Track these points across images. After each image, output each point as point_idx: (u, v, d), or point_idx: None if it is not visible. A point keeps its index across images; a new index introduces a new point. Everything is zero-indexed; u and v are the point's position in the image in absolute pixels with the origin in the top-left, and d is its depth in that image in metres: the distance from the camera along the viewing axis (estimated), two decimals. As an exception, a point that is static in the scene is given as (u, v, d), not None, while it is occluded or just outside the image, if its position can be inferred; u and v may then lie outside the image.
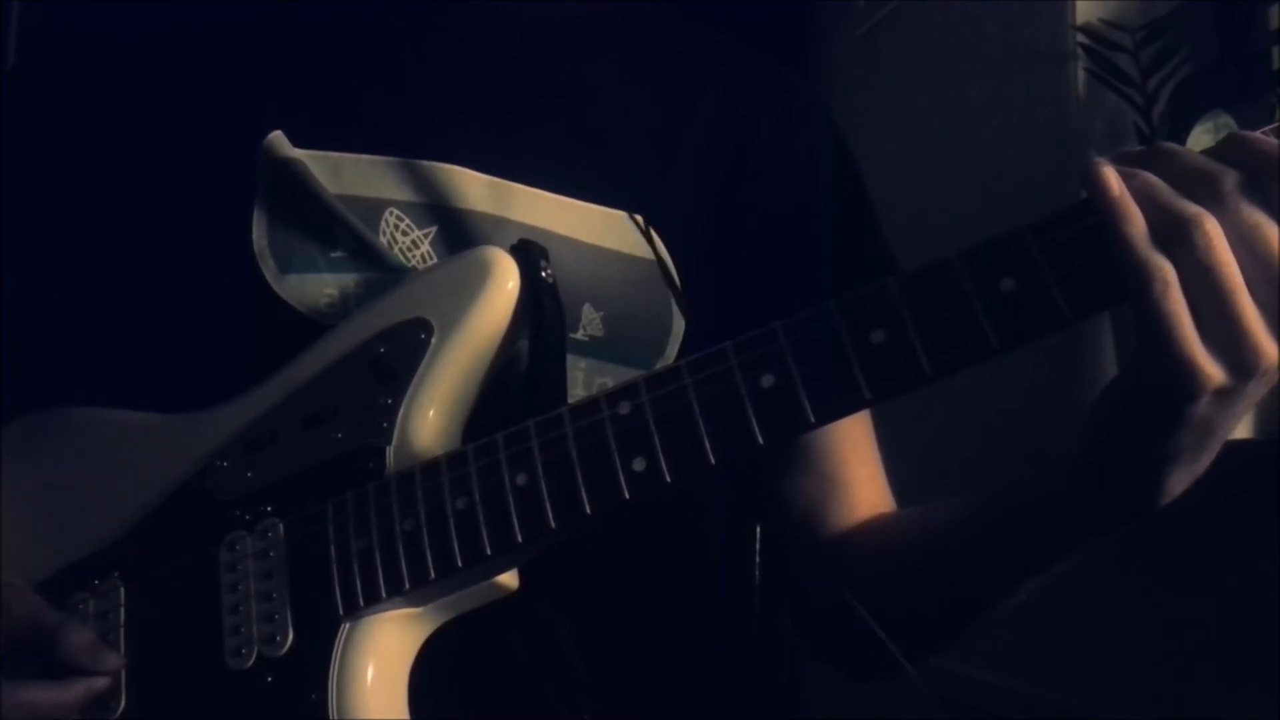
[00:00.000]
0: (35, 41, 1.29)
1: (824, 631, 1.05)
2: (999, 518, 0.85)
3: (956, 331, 0.68)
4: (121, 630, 0.85)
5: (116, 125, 0.98)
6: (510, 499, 0.76)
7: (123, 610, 0.86)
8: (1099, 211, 0.64)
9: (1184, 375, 0.63)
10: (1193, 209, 0.63)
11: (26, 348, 1.00)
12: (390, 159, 0.95)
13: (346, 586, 0.80)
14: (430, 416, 0.83)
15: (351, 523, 0.81)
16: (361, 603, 0.79)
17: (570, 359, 0.90)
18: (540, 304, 0.85)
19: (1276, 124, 0.65)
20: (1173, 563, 1.52)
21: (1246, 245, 0.63)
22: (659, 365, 0.95)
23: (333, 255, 0.93)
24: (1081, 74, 1.78)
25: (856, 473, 1.04)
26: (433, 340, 0.84)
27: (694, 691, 1.02)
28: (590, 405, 0.76)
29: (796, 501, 1.03)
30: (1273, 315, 0.63)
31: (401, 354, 0.84)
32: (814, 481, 1.03)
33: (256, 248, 0.92)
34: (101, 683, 0.81)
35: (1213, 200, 0.63)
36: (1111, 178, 0.64)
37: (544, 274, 0.86)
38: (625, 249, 0.97)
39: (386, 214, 0.93)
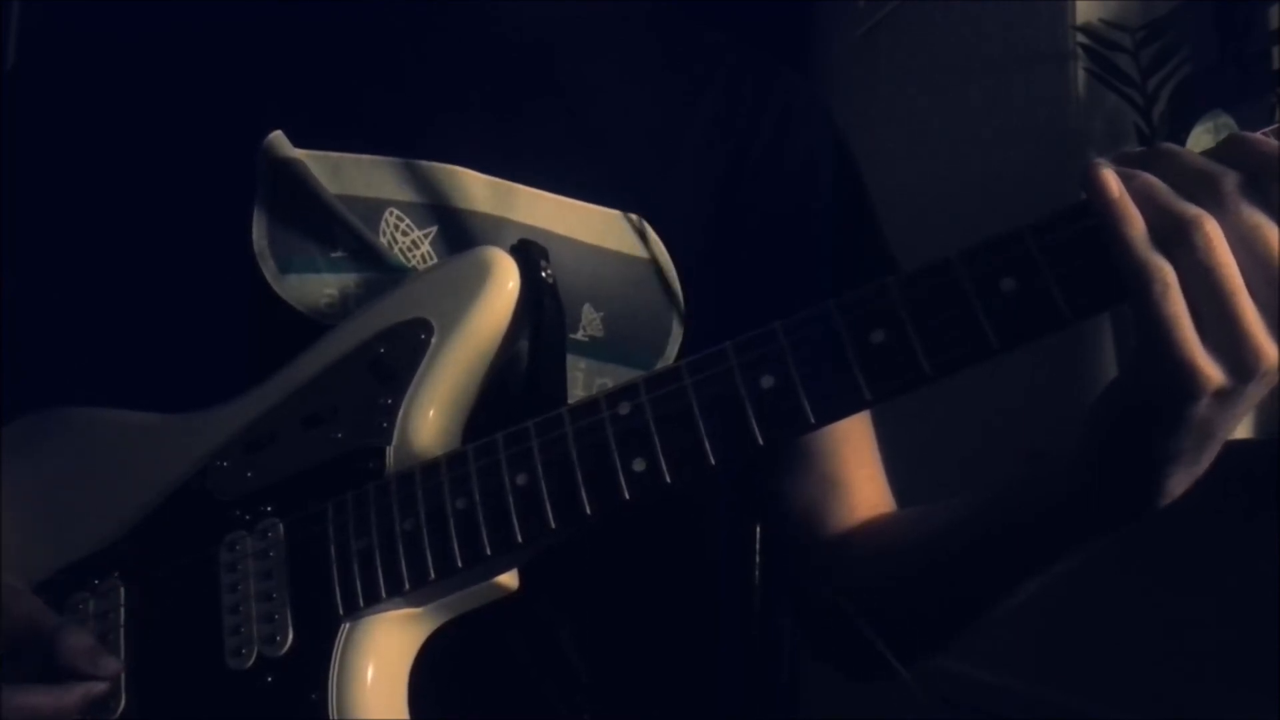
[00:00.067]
0: (35, 41, 1.29)
1: (824, 631, 1.05)
2: (999, 518, 0.85)
3: (956, 332, 0.68)
4: (121, 630, 0.85)
5: (117, 125, 0.98)
6: (510, 499, 0.76)
7: (123, 610, 0.86)
8: (1098, 213, 0.64)
9: (1184, 376, 0.63)
10: (1192, 210, 0.63)
11: (26, 348, 1.00)
12: (390, 159, 0.95)
13: (346, 586, 0.80)
14: (430, 416, 0.83)
15: (351, 523, 0.81)
16: (361, 603, 0.79)
17: (570, 359, 0.90)
18: (540, 304, 0.85)
19: (1277, 124, 0.65)
20: (1173, 563, 1.52)
21: (1247, 246, 0.63)
22: (659, 365, 0.95)
23: (333, 255, 0.93)
24: (1081, 74, 1.78)
25: (856, 473, 1.04)
26: (433, 340, 0.84)
27: (694, 691, 1.02)
28: (590, 405, 0.76)
29: (796, 502, 1.03)
30: (1273, 316, 0.63)
31: (401, 354, 0.84)
32: (814, 482, 1.03)
33: (256, 248, 0.92)
34: (100, 687, 0.80)
35: (1213, 201, 0.63)
36: (1111, 179, 0.64)
37: (544, 274, 0.86)
38: (625, 249, 0.97)
39: (386, 214, 0.93)
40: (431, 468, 0.80)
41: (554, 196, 0.96)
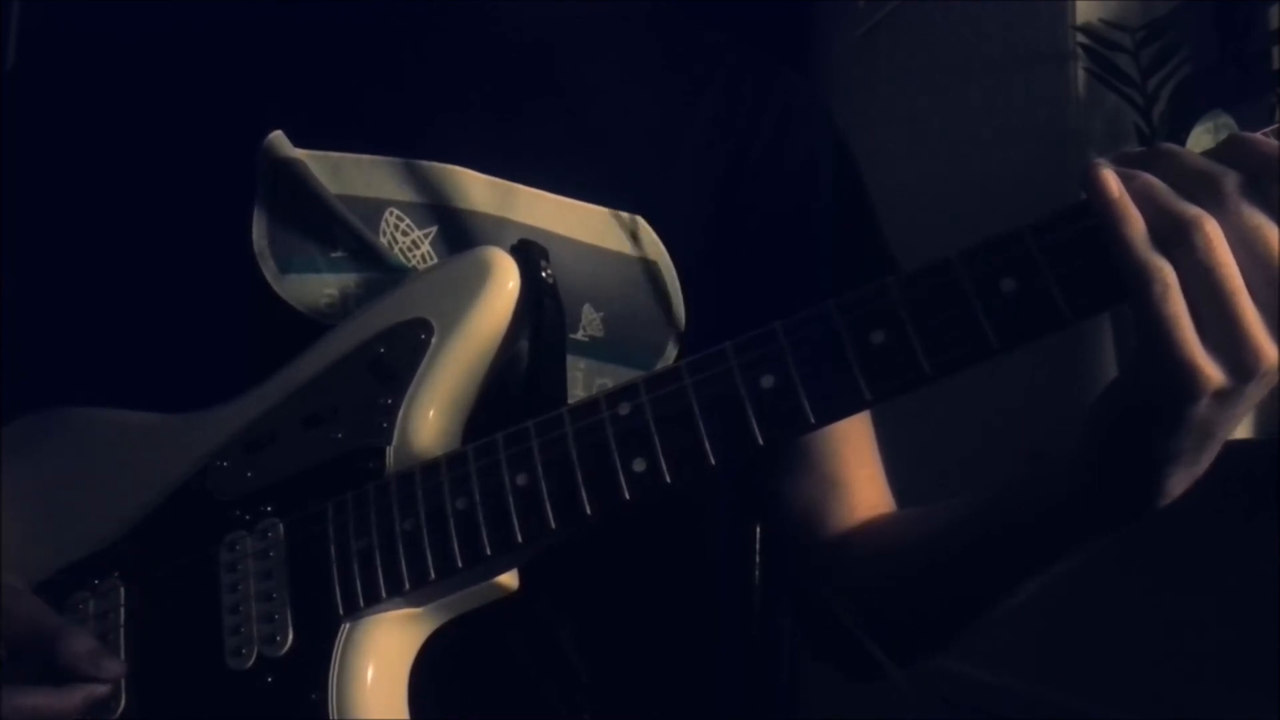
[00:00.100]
0: (35, 41, 1.29)
1: (824, 631, 1.05)
2: (999, 518, 0.85)
3: (956, 332, 0.68)
4: (121, 630, 0.85)
5: (117, 125, 0.98)
6: (510, 499, 0.76)
7: (122, 610, 0.86)
8: (1098, 213, 0.64)
9: (1184, 377, 0.63)
10: (1192, 210, 0.63)
11: (26, 348, 1.00)
12: (391, 159, 0.95)
13: (346, 586, 0.80)
14: (430, 417, 0.83)
15: (351, 523, 0.81)
16: (361, 603, 0.79)
17: (570, 359, 0.90)
18: (540, 304, 0.85)
19: (1277, 125, 0.65)
20: (1173, 563, 1.52)
21: (1247, 247, 0.63)
22: (659, 366, 0.95)
23: (333, 255, 0.93)
24: (1081, 74, 1.78)
25: (856, 473, 1.04)
26: (433, 340, 0.84)
27: (694, 691, 1.02)
28: (590, 406, 0.76)
29: (796, 502, 1.03)
30: (1273, 317, 0.63)
31: (402, 354, 0.84)
32: (814, 482, 1.03)
33: (257, 248, 0.92)
34: (102, 689, 0.81)
35: (1213, 201, 0.63)
36: (1111, 179, 0.64)
37: (544, 274, 0.86)
38: (625, 249, 0.97)
39: (387, 214, 0.93)
40: (431, 468, 0.80)
41: (554, 197, 0.96)
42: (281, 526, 0.83)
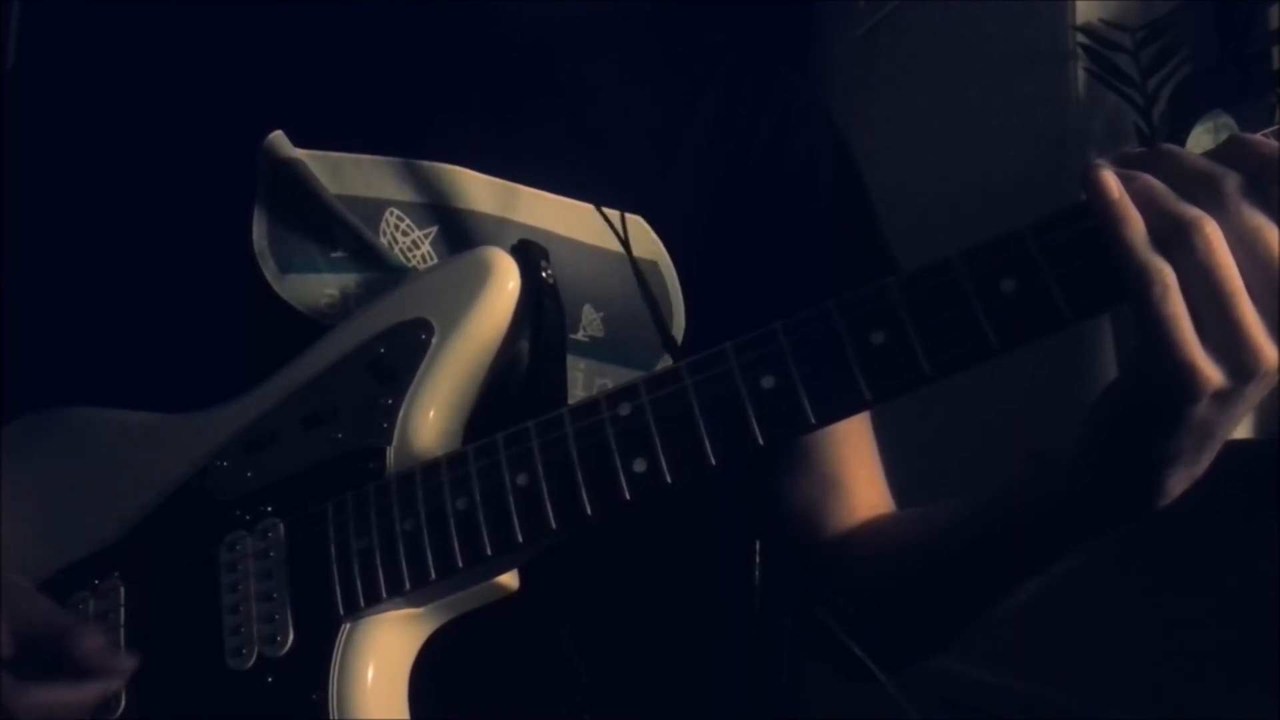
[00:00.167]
0: (35, 41, 1.29)
1: (824, 631, 1.05)
2: (999, 518, 0.85)
3: (956, 332, 0.68)
4: (121, 630, 0.85)
5: (117, 125, 0.98)
6: (511, 499, 0.76)
7: (123, 610, 0.86)
8: (1098, 214, 0.64)
9: (1184, 378, 0.63)
10: (1192, 212, 0.63)
11: (26, 348, 1.00)
12: (391, 159, 0.94)
13: (347, 586, 0.80)
14: (430, 417, 0.83)
15: (352, 523, 0.81)
16: (362, 603, 0.79)
17: (570, 359, 0.90)
18: (541, 304, 0.85)
19: (1277, 126, 0.65)
20: (1173, 563, 1.52)
21: (1247, 248, 0.63)
22: (659, 366, 0.95)
23: (333, 255, 0.92)
24: (1081, 74, 1.78)
25: (856, 474, 1.04)
26: (433, 340, 0.84)
27: (694, 691, 1.02)
28: (590, 406, 0.76)
29: (796, 502, 1.04)
30: (1273, 318, 0.63)
31: (402, 354, 0.84)
32: (814, 482, 1.03)
33: (257, 248, 0.92)
34: (116, 683, 0.81)
35: (1213, 203, 0.63)
36: (1111, 180, 0.64)
37: (544, 274, 0.86)
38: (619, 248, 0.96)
39: (387, 214, 0.93)
40: (432, 468, 0.80)
41: (555, 197, 0.96)
42: (282, 526, 0.83)
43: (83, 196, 0.98)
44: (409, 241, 0.93)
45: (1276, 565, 1.37)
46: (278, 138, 0.93)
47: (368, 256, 0.92)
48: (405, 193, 0.94)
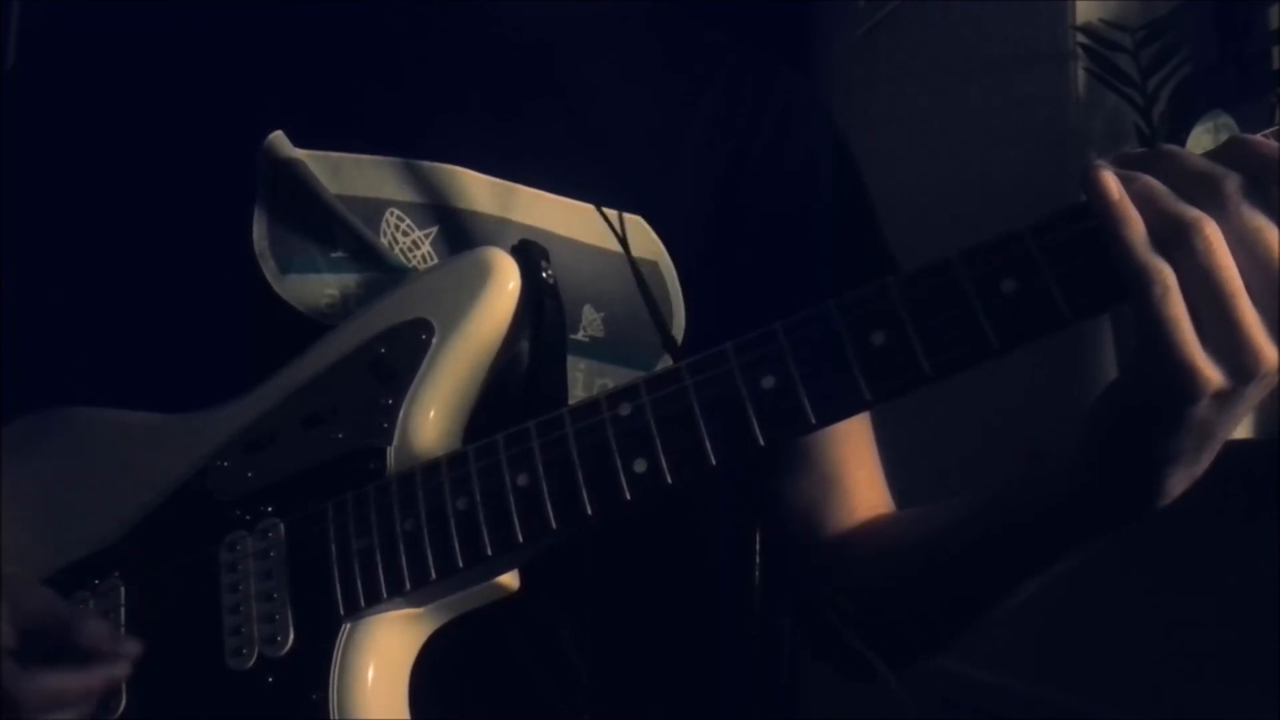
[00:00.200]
0: (35, 41, 1.29)
1: (824, 631, 1.05)
2: (999, 517, 0.85)
3: (957, 332, 0.68)
4: (121, 630, 0.85)
5: (117, 125, 0.98)
6: (511, 499, 0.77)
7: (123, 610, 0.86)
8: (1098, 215, 0.64)
9: (1184, 378, 0.63)
10: (1192, 213, 0.63)
11: (26, 348, 1.00)
12: (392, 159, 0.94)
13: (347, 586, 0.80)
14: (431, 417, 0.83)
15: (352, 523, 0.81)
16: (362, 603, 0.79)
17: (571, 360, 0.90)
18: (541, 305, 0.85)
19: (1277, 126, 0.65)
20: (1173, 563, 1.52)
21: (1247, 248, 0.63)
22: (659, 366, 0.95)
23: (333, 255, 0.92)
24: (1081, 74, 1.78)
25: (856, 474, 1.04)
26: (433, 341, 0.84)
27: (694, 691, 1.02)
28: (591, 406, 0.76)
29: (796, 502, 1.04)
30: (1273, 319, 0.63)
31: (402, 354, 0.84)
32: (814, 482, 1.03)
33: (257, 248, 0.92)
34: (123, 669, 0.81)
35: (1213, 203, 0.63)
36: (1111, 181, 0.64)
37: (545, 275, 0.86)
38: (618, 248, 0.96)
39: (387, 214, 0.93)
40: (432, 468, 0.80)
41: (555, 197, 0.96)
42: (282, 526, 0.83)
43: (83, 197, 0.98)
44: (409, 242, 0.93)
45: (1276, 565, 1.37)
46: (278, 138, 0.93)
47: (368, 257, 0.92)
48: (405, 193, 0.94)
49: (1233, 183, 0.63)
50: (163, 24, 1.00)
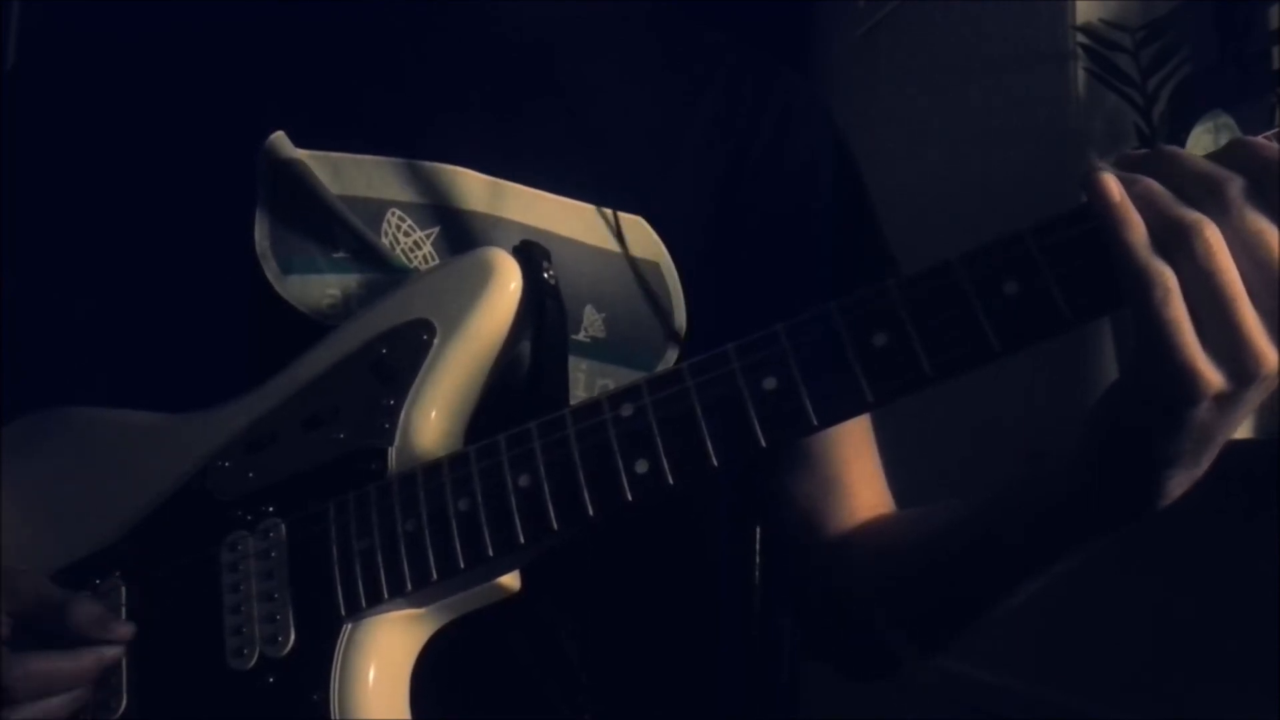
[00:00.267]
0: (35, 41, 1.29)
1: (824, 631, 1.06)
2: (999, 517, 0.85)
3: (958, 334, 0.68)
4: (121, 616, 0.85)
5: (117, 126, 0.98)
6: (513, 500, 0.76)
7: (123, 610, 0.86)
8: (1099, 217, 0.64)
9: (1184, 381, 0.63)
10: (1193, 216, 0.63)
11: (26, 348, 1.00)
12: (393, 160, 0.94)
13: (348, 587, 0.80)
14: (432, 418, 0.83)
15: (353, 523, 0.81)
16: (363, 603, 0.79)
17: (572, 360, 0.90)
18: (542, 305, 0.85)
19: (1278, 128, 0.65)
20: (1173, 563, 1.52)
21: (1248, 251, 0.63)
22: (660, 367, 0.95)
23: (335, 256, 0.92)
24: (1081, 74, 1.78)
25: (857, 475, 1.04)
26: (435, 341, 0.84)
27: (695, 692, 1.02)
28: (592, 407, 0.76)
29: (797, 503, 1.03)
30: (1273, 322, 0.63)
31: (403, 355, 0.84)
32: (814, 483, 1.03)
33: (259, 248, 0.92)
34: (113, 652, 0.81)
35: (1214, 206, 0.63)
36: (1112, 184, 0.64)
37: (546, 275, 0.86)
38: (628, 250, 0.96)
39: (389, 215, 0.93)
40: (434, 469, 0.80)
41: (556, 198, 0.96)
42: (283, 526, 0.83)
43: (83, 197, 0.98)
44: (411, 242, 0.93)
45: (1276, 565, 1.37)
46: (279, 138, 0.93)
47: (369, 257, 0.92)
48: (407, 193, 0.94)
49: (1234, 185, 0.63)
50: (163, 24, 1.00)
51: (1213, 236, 0.62)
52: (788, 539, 1.07)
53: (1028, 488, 0.82)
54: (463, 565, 0.77)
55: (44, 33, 1.10)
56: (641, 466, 0.74)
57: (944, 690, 1.78)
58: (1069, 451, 0.76)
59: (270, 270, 0.92)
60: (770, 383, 0.72)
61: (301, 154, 0.93)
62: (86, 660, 0.81)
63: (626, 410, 0.75)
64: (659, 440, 0.73)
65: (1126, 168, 0.66)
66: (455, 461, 0.79)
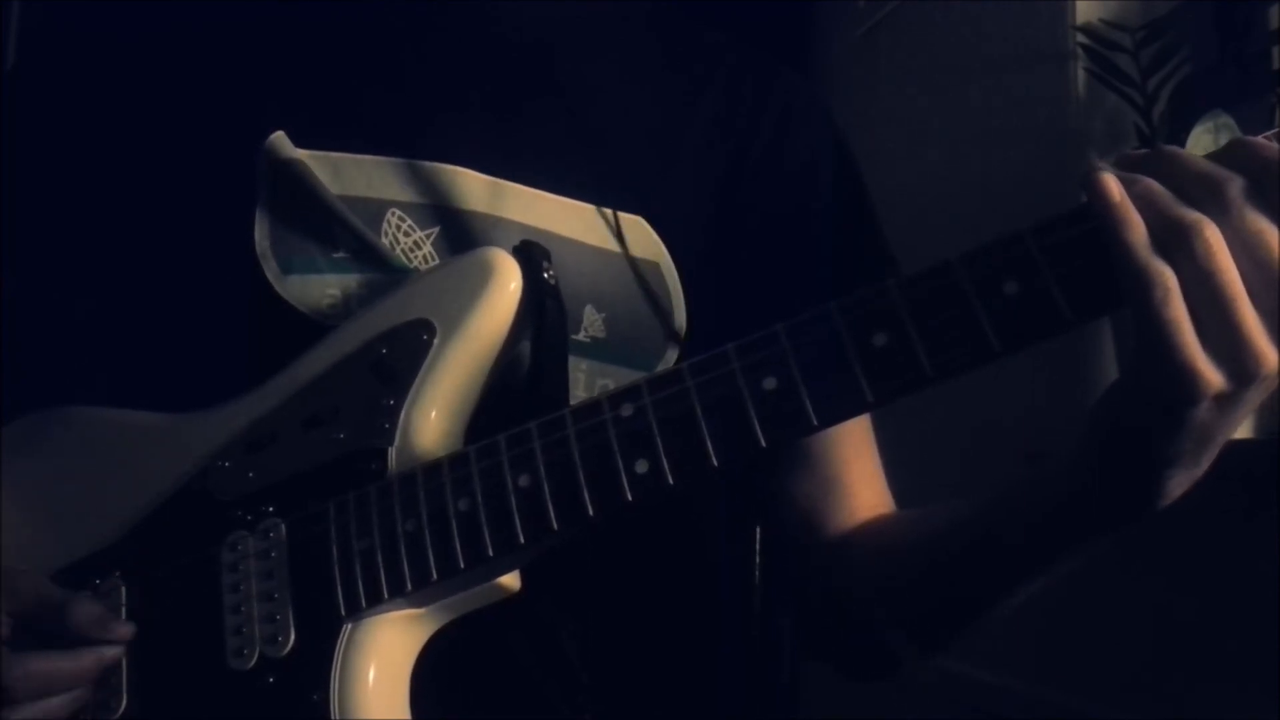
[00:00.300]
0: (35, 41, 1.29)
1: (824, 631, 1.05)
2: (1000, 517, 0.85)
3: (958, 334, 0.68)
4: (121, 616, 0.85)
5: (117, 125, 0.98)
6: (513, 500, 0.76)
7: (124, 610, 0.86)
8: (1099, 217, 0.64)
9: (1184, 381, 0.63)
10: (1193, 216, 0.63)
11: (27, 348, 1.00)
12: (393, 160, 0.94)
13: (348, 587, 0.80)
14: (432, 418, 0.83)
15: (354, 523, 0.81)
16: (364, 603, 0.79)
17: (572, 360, 0.90)
18: (542, 305, 0.85)
19: (1278, 128, 0.65)
20: (1173, 563, 1.52)
21: (1248, 251, 0.63)
22: (660, 367, 0.95)
23: (335, 256, 0.92)
24: (1081, 74, 1.78)
25: (857, 475, 1.04)
26: (435, 341, 0.84)
27: (695, 692, 1.02)
28: (592, 407, 0.76)
29: (797, 503, 1.03)
30: (1273, 322, 0.63)
31: (403, 355, 0.84)
32: (815, 484, 1.03)
33: (259, 248, 0.92)
34: (113, 652, 0.82)
35: (1215, 206, 0.63)
36: (1112, 184, 0.64)
37: (546, 275, 0.86)
38: (628, 250, 0.96)
39: (389, 215, 0.93)
40: (434, 469, 0.80)
41: (556, 198, 0.96)
42: (283, 526, 0.83)
43: (83, 197, 0.98)
44: (411, 242, 0.93)
45: (1276, 565, 1.37)
46: (279, 138, 0.93)
47: (369, 257, 0.92)
48: (407, 193, 0.94)
49: (1235, 185, 0.63)
50: (163, 24, 1.00)
51: (1213, 236, 0.62)
52: (788, 539, 1.07)
53: (1028, 488, 0.83)
54: (463, 565, 0.77)
55: (44, 33, 1.10)
56: (641, 467, 0.74)
57: (944, 690, 1.78)
58: (1069, 452, 0.76)
59: (270, 270, 0.92)
60: (770, 383, 0.71)
61: (302, 154, 0.93)
62: (86, 660, 0.81)
63: (626, 410, 0.75)
64: (659, 440, 0.73)
65: (1126, 168, 0.66)
66: (455, 461, 0.79)
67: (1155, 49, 1.65)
